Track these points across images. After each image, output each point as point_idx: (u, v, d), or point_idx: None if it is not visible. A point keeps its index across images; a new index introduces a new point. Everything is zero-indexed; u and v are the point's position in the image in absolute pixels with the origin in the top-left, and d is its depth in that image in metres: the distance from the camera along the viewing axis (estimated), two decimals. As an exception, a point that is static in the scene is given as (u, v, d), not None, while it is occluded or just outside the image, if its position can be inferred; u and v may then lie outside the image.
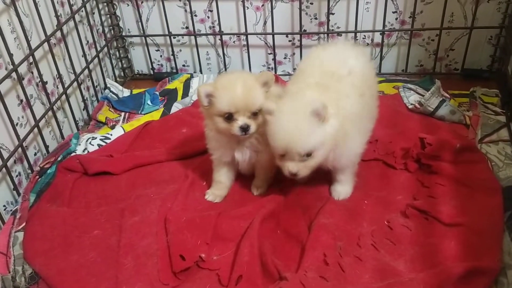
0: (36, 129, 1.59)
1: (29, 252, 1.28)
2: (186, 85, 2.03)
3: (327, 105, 1.12)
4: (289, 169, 1.16)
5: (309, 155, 1.15)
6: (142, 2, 2.06)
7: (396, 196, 1.36)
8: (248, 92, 1.21)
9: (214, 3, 1.98)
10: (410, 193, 1.37)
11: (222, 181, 1.41)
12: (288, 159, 1.17)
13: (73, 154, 1.65)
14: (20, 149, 1.50)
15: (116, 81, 2.16)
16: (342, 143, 1.21)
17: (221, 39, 2.09)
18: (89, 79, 1.98)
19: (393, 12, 1.93)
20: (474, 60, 1.98)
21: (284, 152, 1.16)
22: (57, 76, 1.73)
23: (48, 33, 1.64)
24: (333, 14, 1.95)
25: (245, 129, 1.22)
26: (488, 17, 1.87)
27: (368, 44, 2.03)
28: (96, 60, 2.01)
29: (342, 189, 1.37)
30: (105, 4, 2.06)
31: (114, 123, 1.86)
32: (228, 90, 1.21)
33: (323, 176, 1.42)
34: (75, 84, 1.84)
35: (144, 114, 1.91)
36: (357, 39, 1.99)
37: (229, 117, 1.23)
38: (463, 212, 1.26)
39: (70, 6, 1.81)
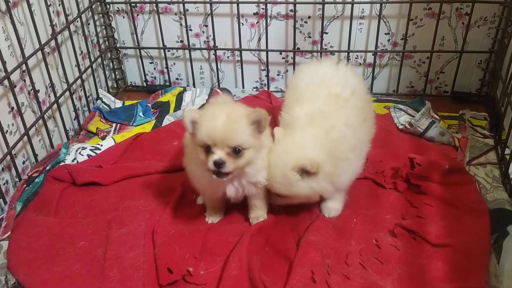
0: (25, 137, 1.57)
1: (13, 261, 1.26)
2: (179, 98, 2.03)
3: (320, 164, 1.16)
4: None
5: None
6: (137, 15, 2.07)
7: (385, 215, 1.37)
8: (230, 125, 1.10)
9: (209, 19, 2.00)
10: (399, 213, 1.38)
11: (216, 206, 1.37)
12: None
13: (62, 163, 1.64)
14: (8, 157, 1.49)
15: (108, 92, 2.16)
16: (342, 170, 1.24)
17: (215, 54, 2.10)
18: (81, 89, 1.97)
19: (386, 34, 1.96)
20: (463, 83, 2.01)
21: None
22: (50, 85, 1.73)
23: (43, 42, 1.63)
24: (326, 33, 1.98)
25: (219, 164, 1.11)
26: (478, 41, 1.91)
27: (360, 64, 2.05)
28: (89, 70, 2.01)
29: (333, 206, 1.37)
30: (101, 15, 2.07)
31: (105, 134, 1.85)
32: (208, 120, 1.12)
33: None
34: (67, 93, 1.84)
35: (136, 125, 1.90)
36: (350, 59, 2.01)
37: (208, 149, 1.13)
38: (451, 233, 1.27)
39: (66, 16, 1.81)
